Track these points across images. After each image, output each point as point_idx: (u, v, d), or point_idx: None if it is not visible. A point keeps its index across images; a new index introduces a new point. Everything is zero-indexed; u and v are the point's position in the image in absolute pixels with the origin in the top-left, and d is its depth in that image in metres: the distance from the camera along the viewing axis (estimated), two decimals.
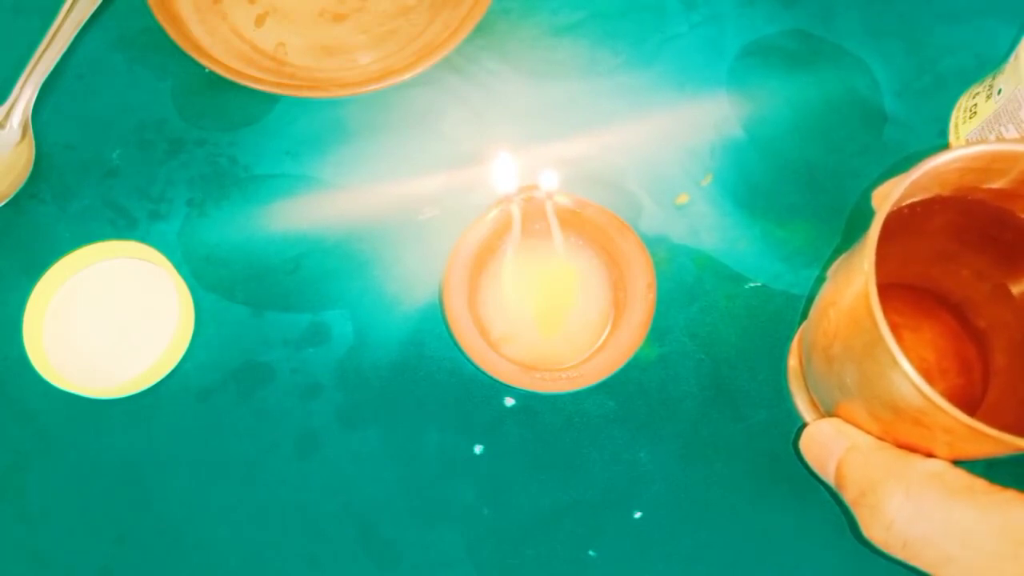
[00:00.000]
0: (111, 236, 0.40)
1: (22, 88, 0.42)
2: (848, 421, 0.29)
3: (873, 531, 0.26)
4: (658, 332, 0.38)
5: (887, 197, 0.25)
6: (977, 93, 0.39)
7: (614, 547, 0.35)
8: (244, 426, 0.37)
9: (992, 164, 0.27)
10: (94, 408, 0.37)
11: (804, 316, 0.38)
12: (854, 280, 0.26)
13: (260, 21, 0.45)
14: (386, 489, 0.36)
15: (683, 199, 0.40)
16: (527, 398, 0.37)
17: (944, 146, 0.41)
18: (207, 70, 0.40)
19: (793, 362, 0.36)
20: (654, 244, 0.39)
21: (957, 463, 0.26)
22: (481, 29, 0.42)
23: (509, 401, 0.37)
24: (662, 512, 0.35)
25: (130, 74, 0.44)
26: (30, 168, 0.41)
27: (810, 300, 0.38)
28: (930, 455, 0.26)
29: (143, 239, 0.39)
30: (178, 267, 0.39)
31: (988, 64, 0.40)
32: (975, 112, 0.38)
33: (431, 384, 0.37)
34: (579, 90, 0.43)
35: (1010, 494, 0.24)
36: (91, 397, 0.36)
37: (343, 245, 0.40)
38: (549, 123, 0.42)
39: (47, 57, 0.42)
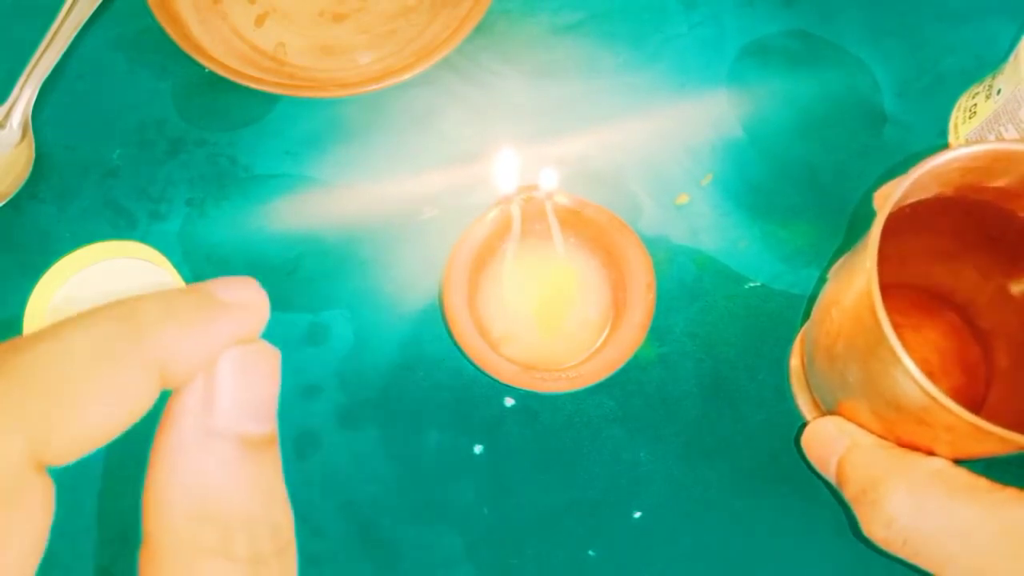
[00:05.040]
0: (111, 236, 0.40)
1: (22, 88, 0.42)
2: (850, 420, 0.29)
3: (874, 529, 0.26)
4: (658, 332, 0.38)
5: (889, 197, 0.25)
6: (977, 93, 0.39)
7: (614, 547, 0.35)
8: None
9: (993, 164, 0.27)
10: None
11: (805, 316, 0.38)
12: (856, 280, 0.26)
13: (260, 21, 0.45)
14: (386, 489, 0.36)
15: (683, 199, 0.40)
16: (527, 398, 0.37)
17: (944, 146, 0.41)
18: (207, 70, 0.40)
19: (795, 362, 0.36)
20: (654, 244, 0.39)
21: (958, 462, 0.26)
22: (481, 29, 0.42)
23: (509, 401, 0.37)
24: (662, 512, 0.35)
25: (130, 74, 0.44)
26: (30, 168, 0.41)
27: (811, 300, 0.38)
28: (932, 454, 0.26)
29: (143, 239, 0.39)
30: (178, 267, 0.39)
31: (988, 64, 0.40)
32: (975, 112, 0.38)
33: (431, 384, 0.37)
34: (579, 90, 0.43)
35: (1012, 492, 0.24)
36: None
37: (343, 245, 0.40)
38: (549, 123, 0.42)
39: (47, 57, 0.42)
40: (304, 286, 0.39)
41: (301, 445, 0.36)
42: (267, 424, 0.19)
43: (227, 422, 0.18)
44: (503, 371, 0.34)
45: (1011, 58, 0.36)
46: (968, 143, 0.27)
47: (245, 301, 0.19)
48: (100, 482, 0.36)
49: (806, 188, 0.40)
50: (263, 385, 0.19)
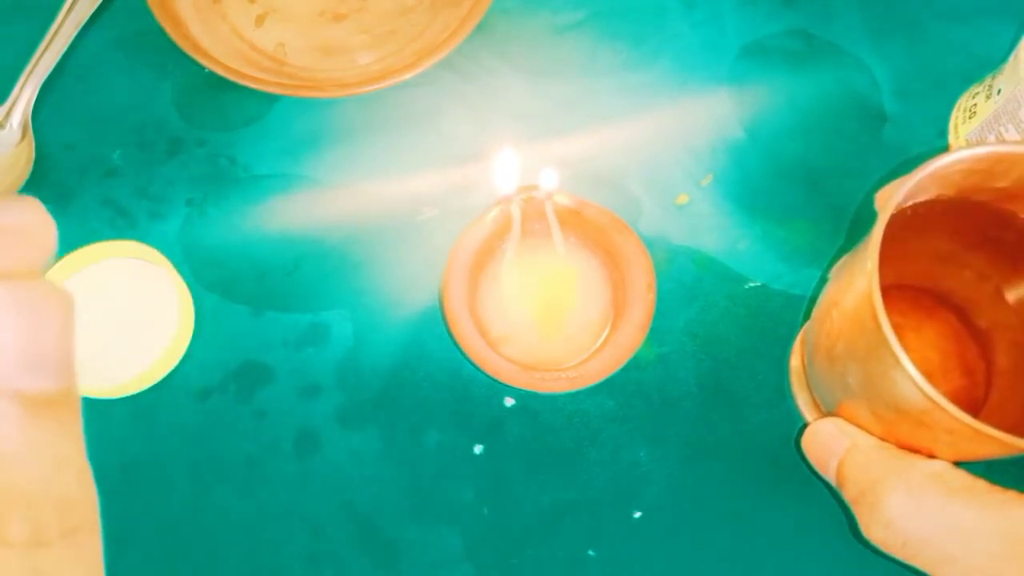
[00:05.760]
0: (111, 236, 0.40)
1: (22, 88, 0.42)
2: (850, 421, 0.29)
3: (872, 530, 0.26)
4: (658, 332, 0.38)
5: (890, 198, 0.25)
6: (977, 93, 0.39)
7: (614, 547, 0.35)
8: (244, 426, 0.37)
9: (995, 166, 0.27)
10: (94, 408, 0.37)
11: (805, 316, 0.38)
12: (857, 281, 0.26)
13: (260, 21, 0.45)
14: (386, 489, 0.36)
15: (683, 199, 0.40)
16: (527, 398, 0.37)
17: (944, 146, 0.41)
18: (207, 70, 0.40)
19: (795, 362, 0.36)
20: (654, 244, 0.39)
21: (958, 464, 0.26)
22: (481, 29, 0.42)
23: (509, 401, 0.37)
24: (662, 512, 0.35)
25: (130, 74, 0.44)
26: (30, 168, 0.41)
27: (811, 300, 0.38)
28: (932, 456, 0.26)
29: (143, 239, 0.39)
30: (178, 267, 0.39)
31: (988, 64, 0.40)
32: (975, 112, 0.38)
33: (431, 384, 0.37)
34: (579, 90, 0.43)
35: (1011, 494, 0.24)
36: (91, 397, 0.36)
37: (343, 245, 0.40)
38: (549, 123, 0.42)
39: (47, 57, 0.42)
40: (304, 286, 0.39)
41: (301, 445, 0.37)
42: (54, 379, 0.15)
43: None
44: (503, 371, 0.34)
45: (1011, 58, 0.36)
46: (969, 144, 0.27)
47: (19, 226, 0.15)
48: (100, 482, 0.36)
49: (806, 188, 0.40)
50: (48, 331, 0.15)
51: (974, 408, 0.32)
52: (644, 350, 0.37)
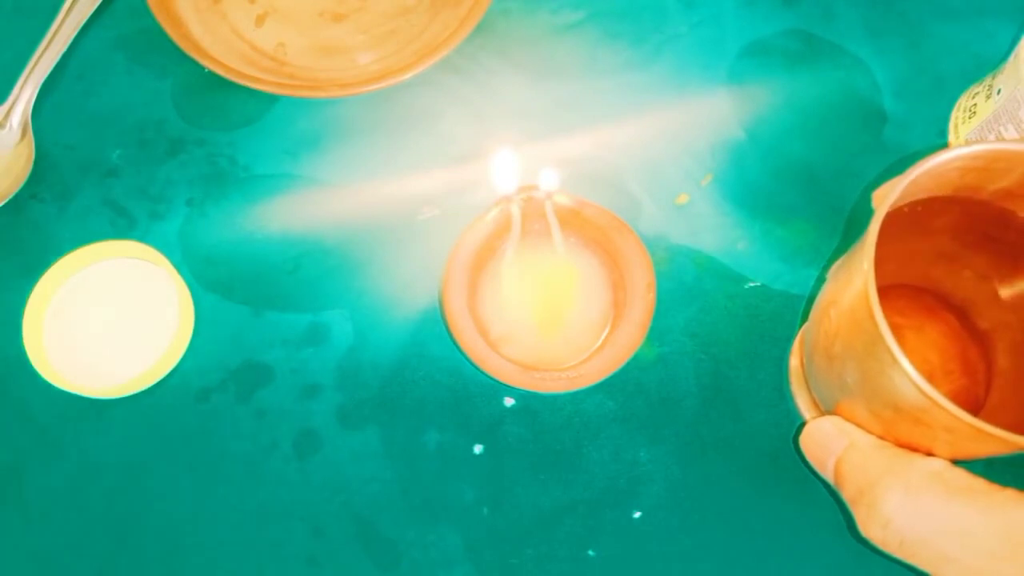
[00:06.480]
0: (111, 236, 0.40)
1: (22, 88, 0.42)
2: (849, 420, 0.29)
3: (871, 529, 0.26)
4: (658, 332, 0.38)
5: (886, 197, 0.25)
6: (977, 93, 0.39)
7: (614, 547, 0.35)
8: (244, 426, 0.37)
9: (992, 164, 0.27)
10: (94, 408, 0.37)
11: (804, 316, 0.38)
12: (854, 280, 0.26)
13: (260, 21, 0.45)
14: (386, 489, 0.36)
15: (683, 199, 0.40)
16: (527, 398, 0.37)
17: (944, 146, 0.41)
18: (207, 70, 0.40)
19: (795, 362, 0.36)
20: (654, 244, 0.39)
21: (957, 462, 0.26)
22: (481, 29, 0.42)
23: (509, 401, 0.37)
24: (662, 512, 0.35)
25: (130, 74, 0.44)
26: (30, 168, 0.41)
27: (810, 300, 0.38)
28: (931, 454, 0.26)
29: (143, 239, 0.39)
30: (178, 267, 0.39)
31: (988, 64, 0.40)
32: (975, 112, 0.38)
33: (431, 384, 0.37)
34: (579, 90, 0.43)
35: (1010, 493, 0.24)
36: (91, 397, 0.36)
37: (343, 245, 0.40)
38: (549, 123, 0.42)
39: (47, 57, 0.42)
40: (304, 286, 0.39)
41: (301, 445, 0.37)
42: None
43: None
44: (503, 371, 0.34)
45: (1011, 58, 0.36)
46: (968, 143, 0.27)
47: None
48: (100, 483, 0.36)
49: (806, 188, 0.40)
50: None
51: (975, 408, 0.32)
52: (644, 350, 0.37)
